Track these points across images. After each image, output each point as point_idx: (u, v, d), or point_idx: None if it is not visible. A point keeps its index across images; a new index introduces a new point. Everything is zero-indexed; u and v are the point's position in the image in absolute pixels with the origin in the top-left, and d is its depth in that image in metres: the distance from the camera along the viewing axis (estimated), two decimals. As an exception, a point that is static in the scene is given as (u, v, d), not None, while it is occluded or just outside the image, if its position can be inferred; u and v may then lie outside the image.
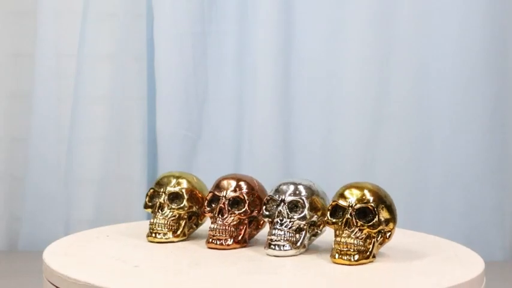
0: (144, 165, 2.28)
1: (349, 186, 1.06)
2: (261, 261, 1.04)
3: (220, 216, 1.11)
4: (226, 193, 1.12)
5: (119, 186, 2.26)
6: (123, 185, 2.26)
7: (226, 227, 1.11)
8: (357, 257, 1.00)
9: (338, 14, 2.21)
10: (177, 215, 1.15)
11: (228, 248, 1.10)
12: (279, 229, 1.07)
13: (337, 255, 1.01)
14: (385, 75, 2.21)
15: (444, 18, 2.18)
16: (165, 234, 1.14)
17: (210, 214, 1.13)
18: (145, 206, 1.18)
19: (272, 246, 1.06)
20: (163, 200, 1.15)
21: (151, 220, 1.15)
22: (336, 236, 1.03)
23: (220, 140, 2.27)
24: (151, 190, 1.18)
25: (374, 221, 1.01)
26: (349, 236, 1.01)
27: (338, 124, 2.23)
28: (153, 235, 1.13)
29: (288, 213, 1.08)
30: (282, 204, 1.09)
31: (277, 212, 1.08)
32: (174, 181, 1.17)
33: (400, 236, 1.20)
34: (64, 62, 2.24)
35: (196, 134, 2.26)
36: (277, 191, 1.10)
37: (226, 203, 1.12)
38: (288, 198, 1.09)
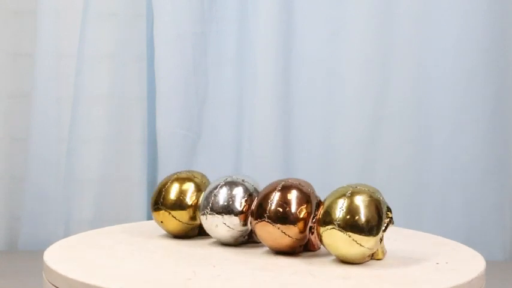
0: (144, 165, 2.27)
1: None
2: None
3: None
4: None
5: (119, 186, 2.26)
6: (123, 185, 2.26)
7: None
8: None
9: (338, 13, 2.20)
10: None
11: None
12: None
13: None
14: (386, 75, 2.21)
15: (444, 18, 2.18)
16: None
17: None
18: None
19: None
20: None
21: None
22: None
23: (220, 140, 2.27)
24: None
25: None
26: None
27: (338, 124, 2.23)
28: None
29: None
30: None
31: None
32: None
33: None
34: (64, 62, 2.24)
35: (196, 134, 2.26)
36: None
37: None
38: None
